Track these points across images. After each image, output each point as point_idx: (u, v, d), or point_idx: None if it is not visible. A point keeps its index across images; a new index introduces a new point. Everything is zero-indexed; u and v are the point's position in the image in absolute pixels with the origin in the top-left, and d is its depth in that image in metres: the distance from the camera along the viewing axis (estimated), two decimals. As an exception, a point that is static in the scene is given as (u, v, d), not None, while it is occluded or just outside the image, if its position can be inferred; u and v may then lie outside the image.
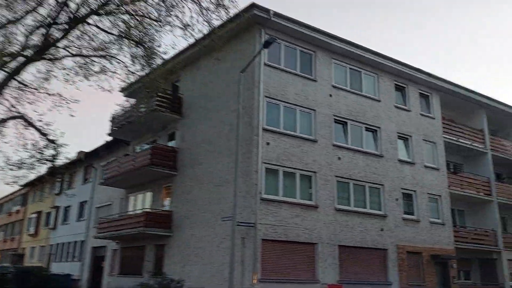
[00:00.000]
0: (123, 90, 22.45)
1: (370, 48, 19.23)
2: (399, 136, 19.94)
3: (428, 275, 18.93)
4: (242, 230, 14.49)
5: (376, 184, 18.34)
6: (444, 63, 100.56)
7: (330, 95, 18.10)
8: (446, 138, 21.74)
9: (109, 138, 25.01)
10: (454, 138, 22.20)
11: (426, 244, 19.16)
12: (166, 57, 12.90)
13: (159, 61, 12.29)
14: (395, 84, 20.63)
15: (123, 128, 21.83)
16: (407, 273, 18.13)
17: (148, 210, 18.77)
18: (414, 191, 19.56)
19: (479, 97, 23.57)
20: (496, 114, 25.06)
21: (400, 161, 19.49)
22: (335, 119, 17.98)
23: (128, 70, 12.35)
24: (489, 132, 24.28)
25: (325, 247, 16.06)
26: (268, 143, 15.75)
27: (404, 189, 19.20)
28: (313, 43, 18.01)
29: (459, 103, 23.60)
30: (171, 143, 20.08)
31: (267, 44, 14.43)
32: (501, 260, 22.14)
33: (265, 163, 15.46)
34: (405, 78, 20.94)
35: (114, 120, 22.68)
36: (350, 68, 19.24)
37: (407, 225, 18.81)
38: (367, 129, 18.97)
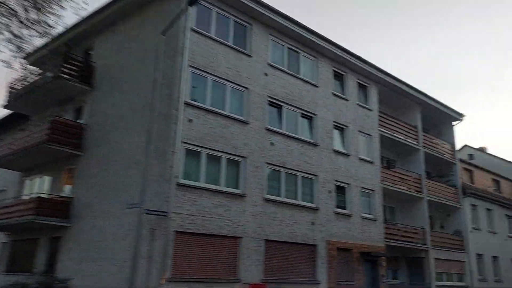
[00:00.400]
0: (27, 57, 19.06)
1: (310, 27, 17.76)
2: (335, 125, 18.70)
3: (357, 274, 17.83)
4: (152, 220, 12.16)
5: (310, 174, 16.87)
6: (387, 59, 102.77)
7: (266, 74, 16.31)
8: (381, 131, 20.96)
9: (7, 112, 21.25)
10: (389, 132, 21.51)
11: (357, 241, 18.07)
12: (75, 18, 10.41)
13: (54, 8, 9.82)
14: (334, 70, 19.38)
15: (22, 99, 18.45)
16: (336, 271, 16.86)
17: (42, 195, 15.65)
18: (348, 184, 18.39)
19: (416, 93, 23.18)
20: (430, 112, 24.91)
21: (335, 151, 18.24)
22: (269, 101, 16.23)
23: (21, 21, 9.99)
24: (422, 130, 24.05)
25: (250, 242, 14.18)
26: (190, 120, 13.52)
27: (338, 181, 17.96)
28: (249, 14, 16.09)
29: (395, 98, 23.01)
30: (80, 120, 17.11)
31: (192, 2, 12.25)
32: (428, 259, 21.80)
33: (185, 143, 13.23)
34: (345, 66, 19.79)
35: (12, 90, 19.12)
36: (289, 48, 17.63)
37: (339, 219, 17.56)
38: (303, 115, 17.47)
